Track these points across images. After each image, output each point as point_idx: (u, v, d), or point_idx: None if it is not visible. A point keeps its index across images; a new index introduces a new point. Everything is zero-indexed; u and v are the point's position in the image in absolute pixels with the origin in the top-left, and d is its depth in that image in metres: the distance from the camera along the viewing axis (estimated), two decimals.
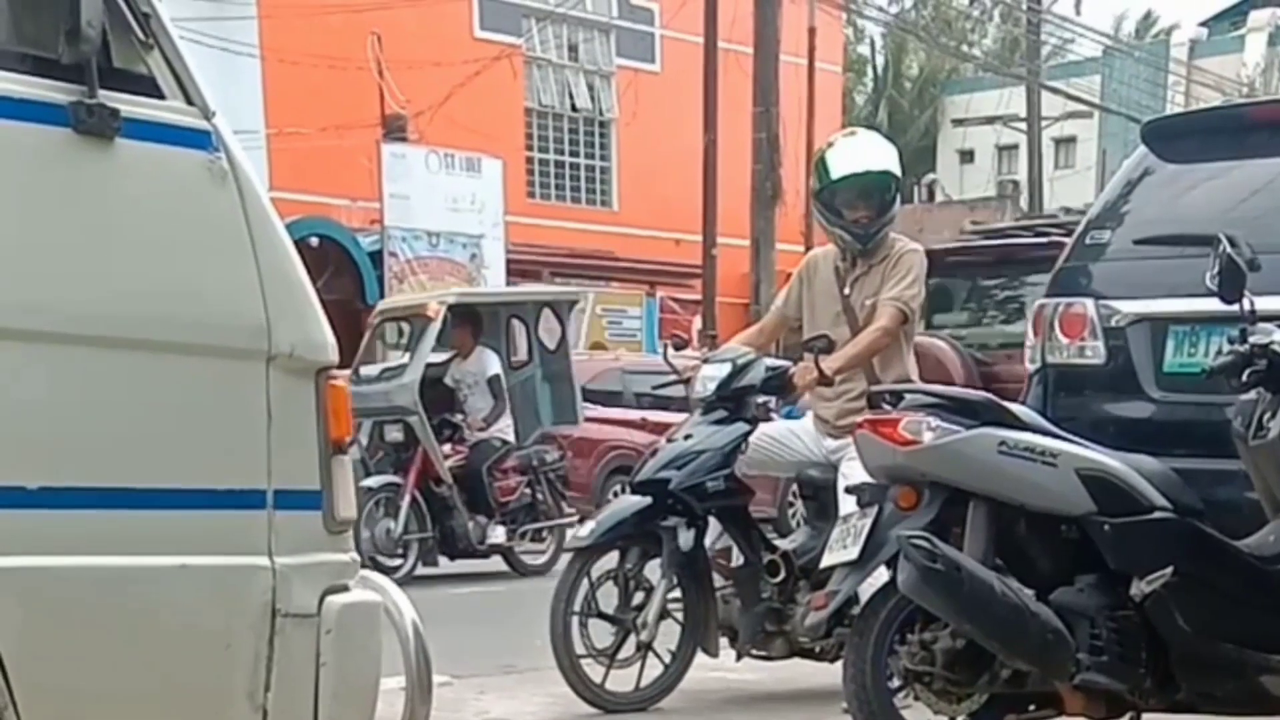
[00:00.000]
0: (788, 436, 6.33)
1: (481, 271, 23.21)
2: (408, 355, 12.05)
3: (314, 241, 19.85)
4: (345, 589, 3.08)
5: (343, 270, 21.42)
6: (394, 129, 22.93)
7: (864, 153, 6.24)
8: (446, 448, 11.62)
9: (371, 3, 22.12)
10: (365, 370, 12.13)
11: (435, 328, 11.64)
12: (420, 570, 11.41)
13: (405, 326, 13.00)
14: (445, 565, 11.71)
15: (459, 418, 11.81)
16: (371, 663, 3.13)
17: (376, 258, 22.14)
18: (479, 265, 23.06)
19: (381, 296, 21.82)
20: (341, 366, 3.16)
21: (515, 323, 13.07)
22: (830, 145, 6.35)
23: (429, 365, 11.72)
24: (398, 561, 11.27)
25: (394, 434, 11.51)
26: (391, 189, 21.96)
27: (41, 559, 2.71)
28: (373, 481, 11.28)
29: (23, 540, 2.69)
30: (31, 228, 2.73)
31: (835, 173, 6.16)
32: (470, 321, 12.16)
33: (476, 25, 25.67)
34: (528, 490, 11.98)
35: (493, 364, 12.06)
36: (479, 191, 22.99)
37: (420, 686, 3.35)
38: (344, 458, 3.11)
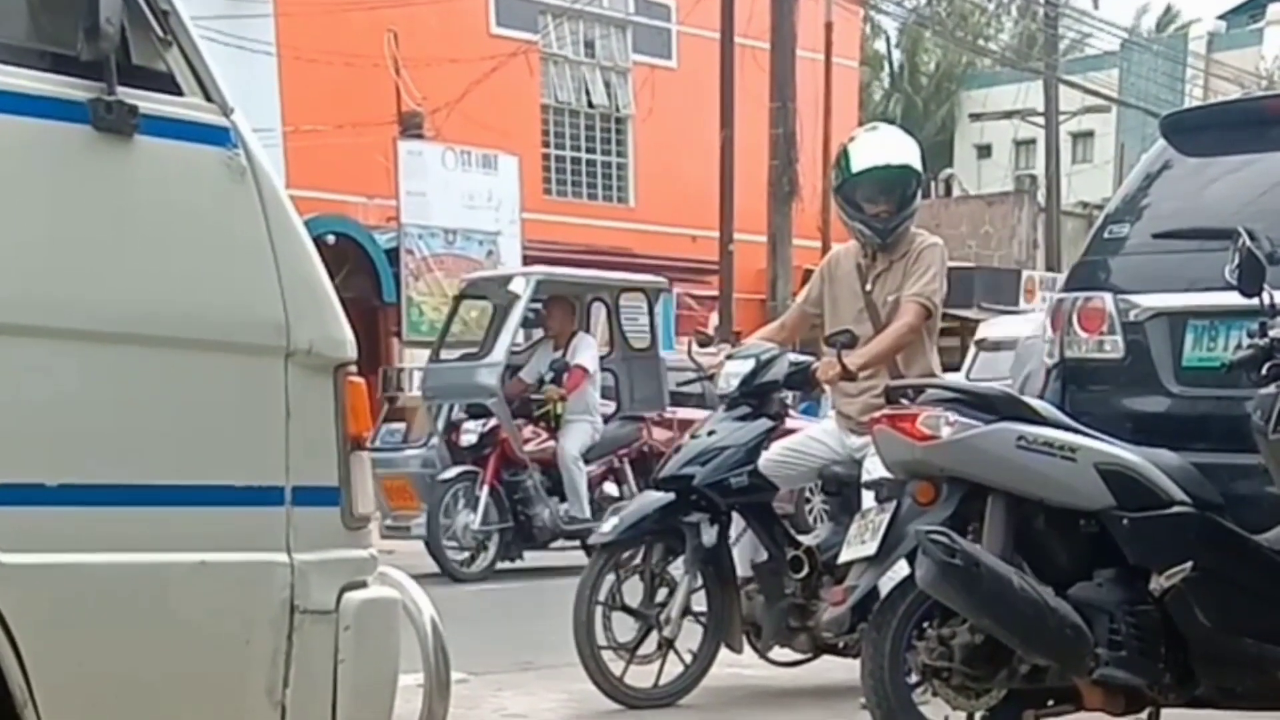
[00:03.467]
0: (805, 444, 6.30)
1: (497, 268, 23.18)
2: (490, 336, 11.61)
3: (330, 239, 19.83)
4: (364, 585, 3.08)
5: (359, 268, 21.39)
6: (410, 126, 22.88)
7: (885, 147, 6.23)
8: (528, 430, 11.31)
9: (388, 0, 22.11)
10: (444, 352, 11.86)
11: (521, 306, 11.28)
12: (499, 565, 11.13)
13: (486, 305, 12.44)
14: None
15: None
16: (390, 659, 3.14)
17: (393, 255, 22.11)
18: (495, 262, 23.01)
19: (398, 294, 21.83)
20: (360, 364, 3.15)
21: (597, 306, 12.53)
22: (852, 139, 6.35)
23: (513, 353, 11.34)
24: (472, 555, 11.00)
25: (470, 421, 11.16)
26: (408, 186, 21.93)
27: (60, 556, 2.72)
28: (449, 473, 10.95)
29: (42, 537, 2.70)
30: (51, 225, 2.74)
31: (856, 166, 6.15)
32: (566, 305, 11.70)
33: (493, 22, 25.61)
34: (611, 474, 11.68)
35: (592, 352, 11.58)
36: (495, 188, 22.94)
37: (438, 683, 3.35)
38: (363, 454, 3.11)
